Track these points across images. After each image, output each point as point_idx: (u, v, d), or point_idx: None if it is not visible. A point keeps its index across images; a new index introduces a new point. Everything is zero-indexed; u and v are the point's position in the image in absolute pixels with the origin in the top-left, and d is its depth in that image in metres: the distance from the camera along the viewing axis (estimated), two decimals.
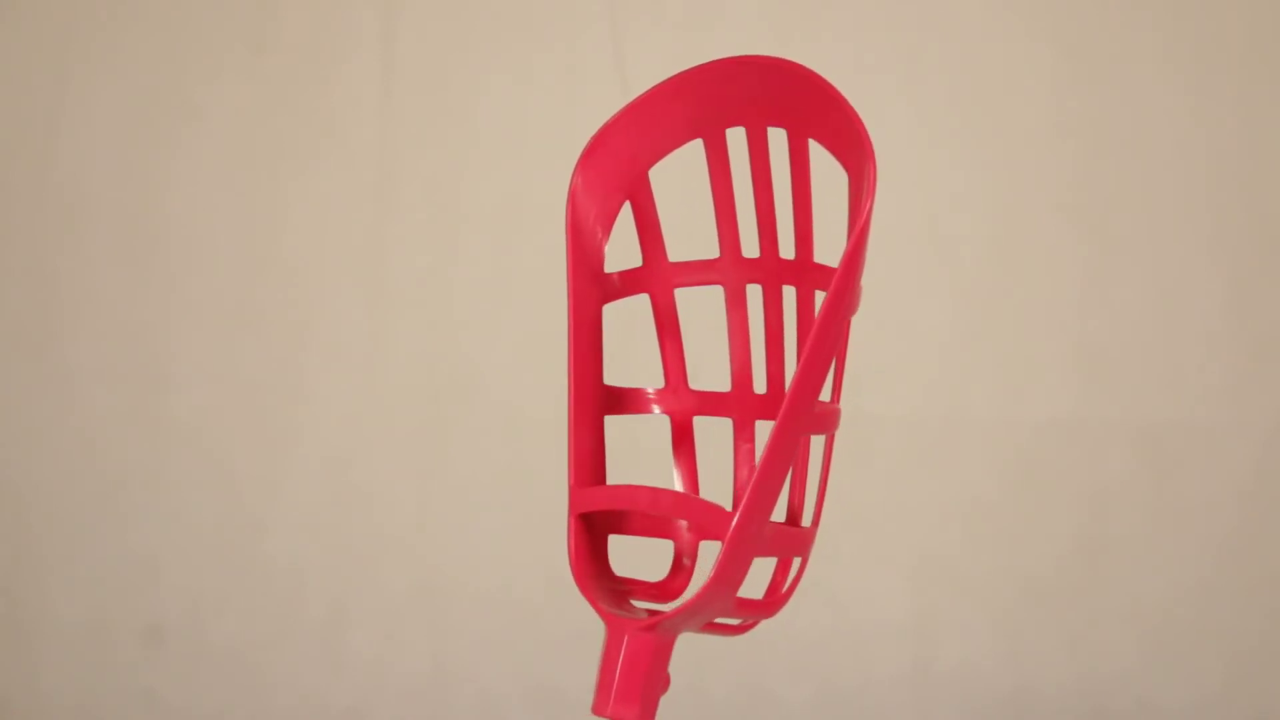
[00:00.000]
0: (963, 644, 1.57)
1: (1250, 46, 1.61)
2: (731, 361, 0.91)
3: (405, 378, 1.58)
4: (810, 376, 0.80)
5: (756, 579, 0.86)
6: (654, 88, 0.86)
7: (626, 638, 0.81)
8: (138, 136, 1.59)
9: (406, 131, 1.59)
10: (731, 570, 0.81)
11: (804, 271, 0.88)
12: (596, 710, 0.81)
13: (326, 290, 1.59)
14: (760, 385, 0.91)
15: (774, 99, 0.85)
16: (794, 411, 0.80)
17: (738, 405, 0.91)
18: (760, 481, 0.79)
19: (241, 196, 1.59)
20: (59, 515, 1.57)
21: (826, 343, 0.81)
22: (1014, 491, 1.58)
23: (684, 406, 0.90)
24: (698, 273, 0.90)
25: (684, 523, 0.89)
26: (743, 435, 0.91)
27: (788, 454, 0.81)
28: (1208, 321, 1.59)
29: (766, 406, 0.90)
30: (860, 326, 1.68)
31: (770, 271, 0.89)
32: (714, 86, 0.85)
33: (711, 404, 0.91)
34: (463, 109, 1.59)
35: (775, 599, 0.87)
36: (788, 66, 0.84)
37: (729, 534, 0.79)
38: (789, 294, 0.89)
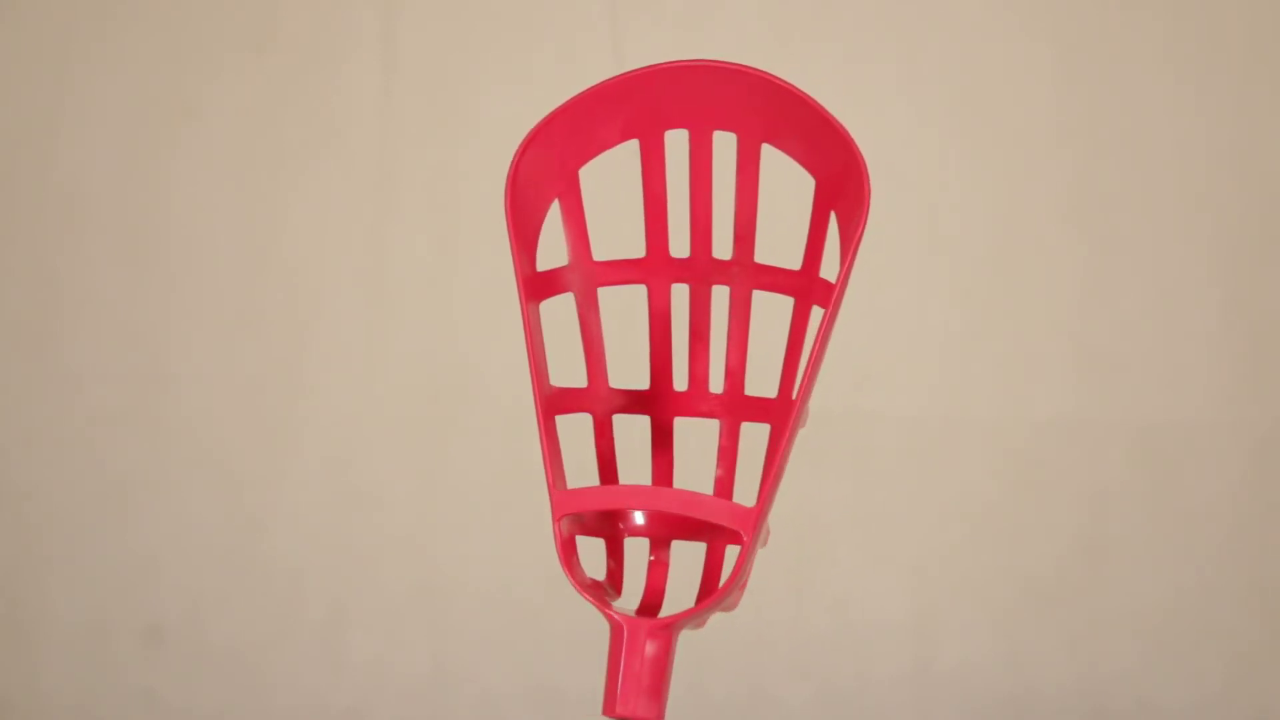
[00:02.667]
0: (963, 644, 1.57)
1: (1250, 46, 1.61)
2: (651, 360, 0.91)
3: (405, 378, 1.58)
4: (812, 381, 0.82)
5: (693, 569, 0.88)
6: (593, 87, 0.86)
7: (640, 638, 0.82)
8: (138, 136, 1.59)
9: (406, 131, 1.59)
10: (750, 563, 0.82)
11: (743, 271, 0.89)
12: (621, 711, 0.81)
13: (326, 290, 1.59)
14: (681, 383, 0.92)
15: (729, 104, 0.85)
16: (799, 412, 0.82)
17: (656, 403, 0.92)
18: (775, 477, 0.81)
19: (242, 196, 1.59)
20: (59, 515, 1.57)
21: (824, 351, 0.82)
22: (1014, 491, 1.58)
23: (604, 406, 0.91)
24: (621, 271, 0.91)
25: (639, 517, 0.90)
26: (660, 432, 0.92)
27: (789, 451, 0.83)
28: (1208, 321, 1.59)
29: (685, 404, 0.91)
30: (860, 327, 1.68)
31: (700, 271, 0.90)
32: (659, 89, 0.86)
33: (630, 402, 0.92)
34: (463, 109, 1.59)
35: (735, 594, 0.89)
36: (757, 75, 0.84)
37: (754, 527, 0.81)
38: (719, 294, 0.90)
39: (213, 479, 1.58)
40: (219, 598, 1.57)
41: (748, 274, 0.90)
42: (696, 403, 0.92)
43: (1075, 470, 1.58)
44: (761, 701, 1.56)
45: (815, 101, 0.83)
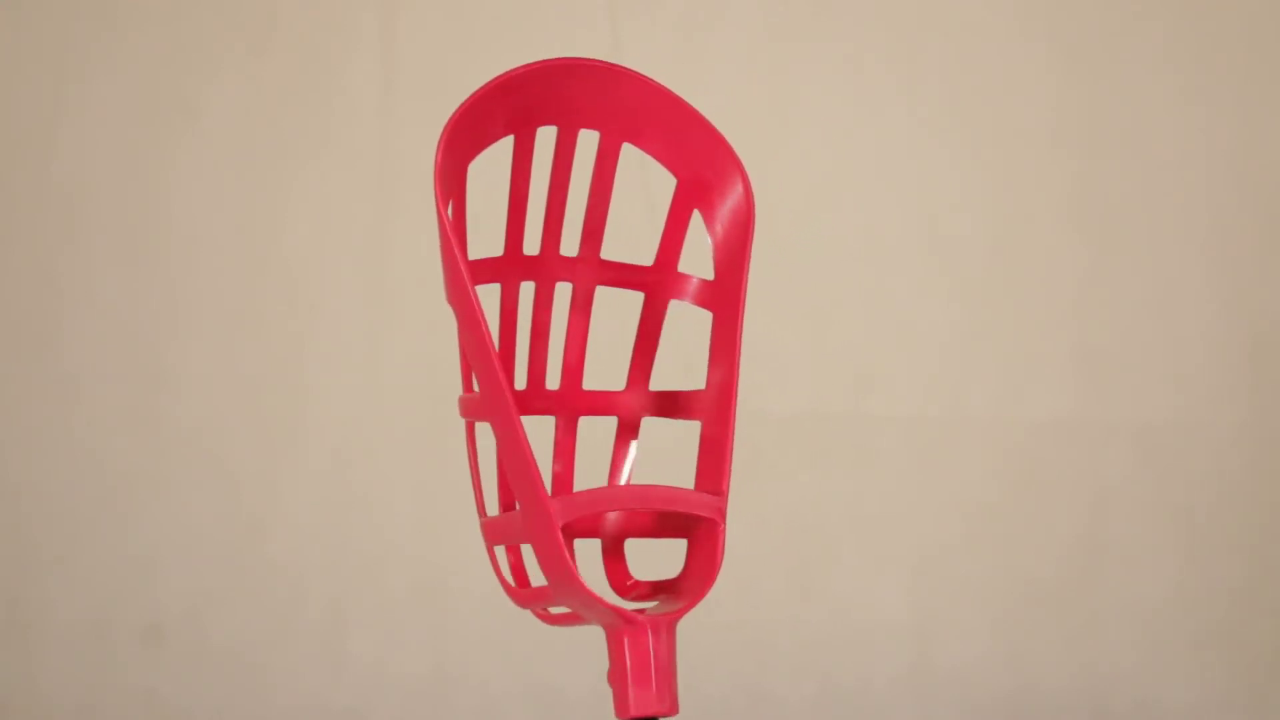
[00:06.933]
0: (963, 644, 1.57)
1: (1250, 47, 1.61)
2: (499, 360, 0.92)
3: (405, 378, 1.58)
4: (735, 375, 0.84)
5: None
6: (487, 84, 0.87)
7: (664, 634, 0.82)
8: (138, 136, 1.59)
9: (406, 131, 1.59)
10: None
11: (587, 268, 0.90)
12: (657, 709, 0.81)
13: (326, 290, 1.59)
14: (520, 381, 0.92)
15: (598, 103, 0.86)
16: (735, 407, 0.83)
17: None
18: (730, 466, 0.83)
19: (241, 196, 1.59)
20: (59, 515, 1.57)
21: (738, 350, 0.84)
22: (1014, 491, 1.58)
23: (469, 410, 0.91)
24: (481, 271, 0.92)
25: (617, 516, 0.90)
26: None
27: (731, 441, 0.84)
28: (1207, 321, 1.59)
29: (526, 402, 0.92)
30: (861, 327, 1.68)
31: (546, 269, 0.91)
32: (536, 86, 0.87)
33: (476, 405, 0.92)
34: None
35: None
36: (627, 74, 0.85)
37: (724, 517, 0.82)
38: (562, 291, 0.91)
39: (213, 479, 1.58)
40: (219, 598, 1.57)
41: (592, 270, 0.90)
42: (532, 400, 0.92)
43: (1075, 470, 1.58)
44: (761, 701, 1.56)
45: (689, 104, 0.85)
